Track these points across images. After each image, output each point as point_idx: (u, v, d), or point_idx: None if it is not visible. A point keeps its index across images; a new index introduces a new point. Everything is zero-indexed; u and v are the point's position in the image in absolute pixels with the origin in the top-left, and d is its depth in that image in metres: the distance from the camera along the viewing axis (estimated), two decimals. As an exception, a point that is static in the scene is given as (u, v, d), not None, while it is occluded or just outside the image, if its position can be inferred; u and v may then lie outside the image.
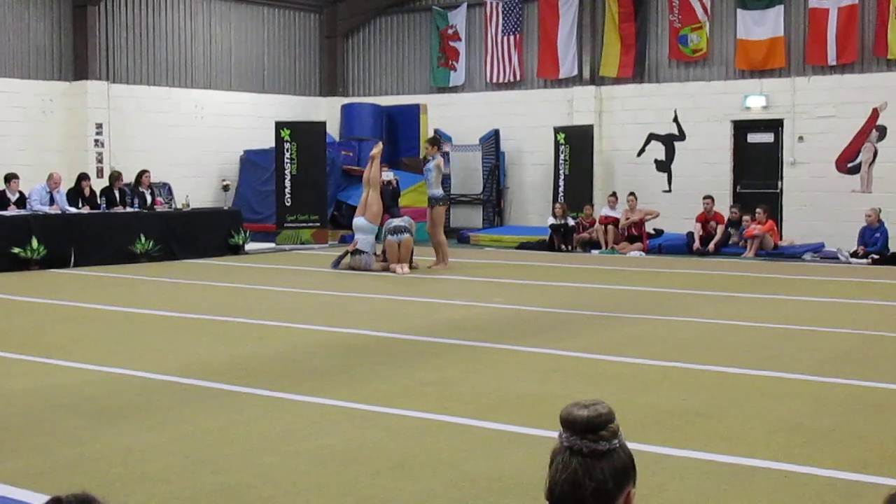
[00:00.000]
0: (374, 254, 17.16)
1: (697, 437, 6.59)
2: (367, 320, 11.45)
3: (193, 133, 24.87)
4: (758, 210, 20.84)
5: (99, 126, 22.51)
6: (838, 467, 5.97)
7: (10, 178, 18.75)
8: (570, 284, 15.36)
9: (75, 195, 19.40)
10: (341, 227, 22.66)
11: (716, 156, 23.22)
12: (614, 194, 22.57)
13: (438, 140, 17.78)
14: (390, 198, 22.31)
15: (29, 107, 22.01)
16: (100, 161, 22.37)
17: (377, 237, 17.79)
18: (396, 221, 17.59)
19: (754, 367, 8.77)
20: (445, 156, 23.41)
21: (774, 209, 22.03)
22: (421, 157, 17.31)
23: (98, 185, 20.63)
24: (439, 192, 17.65)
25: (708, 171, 23.19)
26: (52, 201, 18.72)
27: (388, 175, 22.60)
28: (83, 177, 19.87)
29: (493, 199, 25.62)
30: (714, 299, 13.74)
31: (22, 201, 18.71)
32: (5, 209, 18.24)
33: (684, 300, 13.58)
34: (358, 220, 17.50)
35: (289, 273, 17.28)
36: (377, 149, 17.87)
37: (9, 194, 18.64)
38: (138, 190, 20.35)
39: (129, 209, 19.63)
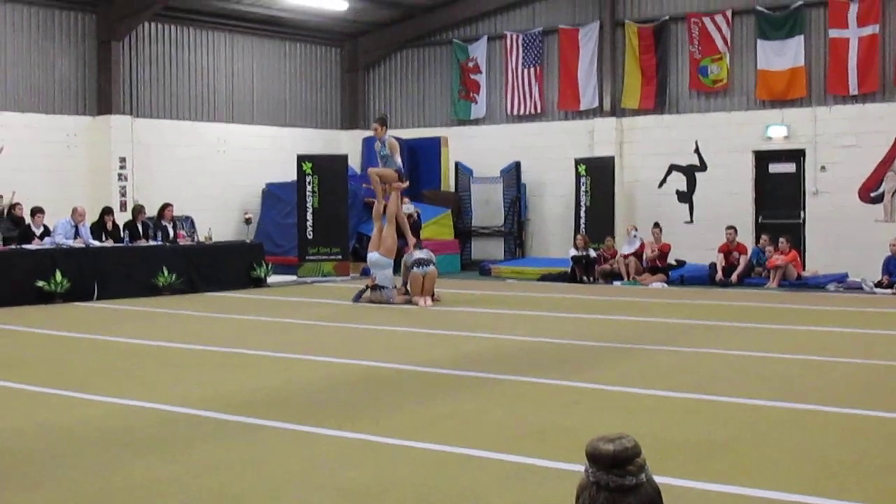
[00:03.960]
0: (395, 287, 16.93)
1: (723, 469, 6.49)
2: (388, 353, 11.35)
3: (216, 166, 24.95)
4: (781, 240, 20.67)
5: (122, 160, 22.62)
6: (867, 499, 5.87)
7: (35, 211, 18.82)
8: (592, 316, 15.22)
9: (99, 229, 19.48)
10: (363, 260, 22.19)
11: (737, 186, 23.07)
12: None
13: (385, 118, 17.72)
14: (411, 230, 22.09)
15: (54, 141, 22.15)
16: (123, 195, 22.44)
17: (394, 270, 17.60)
18: (418, 254, 17.33)
19: (778, 399, 8.65)
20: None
21: (797, 239, 21.90)
22: (377, 138, 17.41)
23: (121, 218, 20.78)
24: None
25: (730, 201, 23.03)
26: (76, 235, 18.76)
27: (409, 208, 22.44)
28: (107, 210, 19.94)
29: (515, 230, 25.55)
30: (737, 330, 13.56)
31: (46, 235, 18.69)
32: (30, 243, 18.26)
33: (707, 331, 13.42)
34: (372, 256, 17.23)
35: (311, 306, 17.06)
36: (404, 184, 17.57)
37: (34, 228, 18.69)
38: (161, 223, 20.37)
39: (151, 242, 19.67)
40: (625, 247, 21.86)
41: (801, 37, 22.47)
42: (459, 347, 11.92)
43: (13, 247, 18.00)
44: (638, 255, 21.85)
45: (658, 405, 8.53)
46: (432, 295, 16.82)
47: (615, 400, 8.79)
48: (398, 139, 17.83)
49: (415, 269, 16.71)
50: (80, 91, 22.74)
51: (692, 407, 8.46)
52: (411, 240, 17.31)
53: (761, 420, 7.97)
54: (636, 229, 22.08)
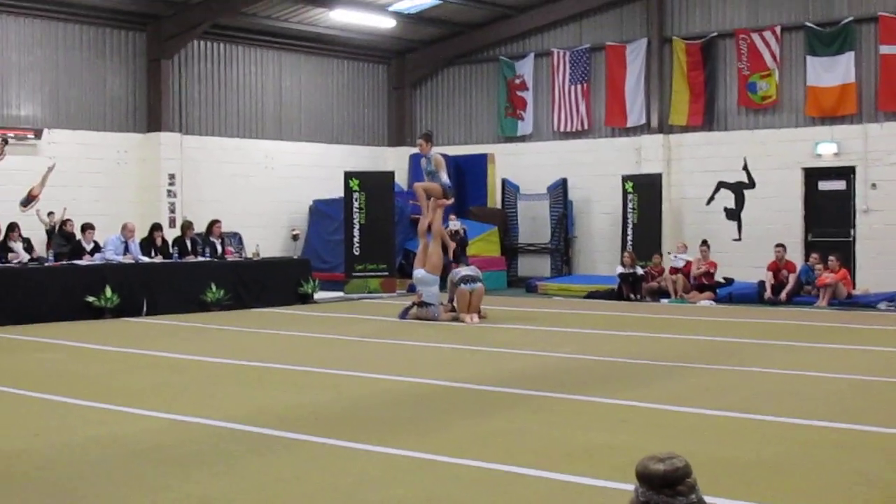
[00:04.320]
0: (441, 303, 16.79)
1: (774, 491, 6.39)
2: (435, 369, 11.31)
3: (264, 183, 24.96)
4: (830, 258, 20.39)
5: (171, 177, 22.73)
6: (918, 522, 5.68)
7: (85, 228, 18.96)
8: (640, 334, 15.05)
9: (148, 245, 19.50)
10: (409, 276, 21.94)
11: (786, 203, 22.86)
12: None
13: (430, 134, 17.65)
14: (458, 247, 21.99)
15: (105, 158, 22.30)
16: (172, 211, 22.53)
17: (440, 287, 17.49)
18: (465, 270, 17.19)
19: (828, 419, 8.52)
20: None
21: (847, 257, 21.56)
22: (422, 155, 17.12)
23: (170, 234, 20.80)
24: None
25: (779, 219, 22.84)
26: (126, 251, 18.78)
27: (456, 224, 22.57)
28: (156, 227, 19.96)
29: (562, 247, 25.36)
30: (786, 349, 13.38)
31: (97, 251, 18.76)
32: (81, 258, 18.33)
33: (756, 350, 13.21)
34: (418, 273, 17.07)
35: (357, 322, 16.99)
36: (449, 201, 17.42)
37: (84, 244, 18.77)
38: (209, 239, 20.22)
39: (200, 258, 19.50)
40: (673, 260, 21.72)
41: (852, 53, 22.19)
42: (506, 364, 11.82)
43: (64, 262, 18.05)
44: (685, 272, 21.63)
45: (707, 424, 8.42)
46: (479, 312, 16.66)
47: (664, 418, 8.68)
48: (444, 155, 17.81)
49: (462, 285, 16.53)
50: (130, 108, 22.84)
51: (741, 426, 8.34)
52: (450, 245, 17.40)
53: (811, 440, 7.86)
54: (686, 248, 21.93)
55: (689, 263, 21.44)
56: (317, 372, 11.10)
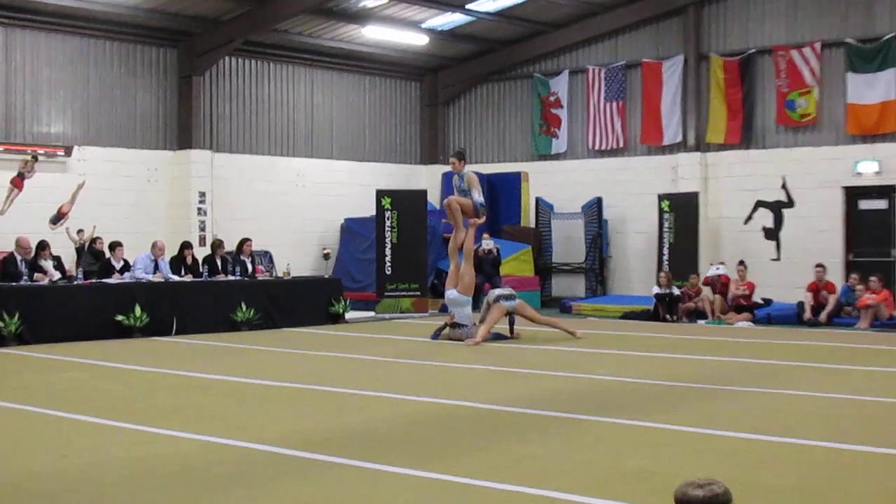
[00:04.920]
0: (474, 324, 16.58)
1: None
2: (466, 391, 11.17)
3: (295, 201, 24.90)
4: (872, 279, 20.07)
5: (202, 194, 22.73)
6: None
7: (114, 246, 18.85)
8: (676, 356, 14.87)
9: (178, 263, 19.42)
10: (441, 296, 21.86)
11: (826, 223, 22.59)
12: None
13: (463, 152, 17.48)
14: (491, 266, 22.08)
15: (135, 175, 22.27)
16: (202, 229, 22.52)
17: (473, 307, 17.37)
18: (499, 291, 17.10)
19: (870, 444, 8.27)
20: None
21: (889, 278, 21.22)
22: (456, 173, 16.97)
23: (200, 253, 20.70)
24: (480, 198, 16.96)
25: (818, 238, 22.59)
26: (155, 269, 18.71)
27: (489, 244, 22.42)
28: (186, 245, 19.87)
29: (596, 267, 25.12)
30: (827, 372, 13.12)
31: (126, 269, 18.69)
32: (110, 276, 18.26)
33: (795, 373, 12.99)
34: (450, 293, 16.83)
35: (389, 342, 16.91)
36: (481, 219, 17.26)
37: (113, 262, 18.68)
38: (240, 258, 20.00)
39: (230, 277, 19.35)
40: (711, 269, 21.64)
41: (893, 69, 21.91)
42: (540, 386, 11.71)
43: (94, 281, 17.98)
44: (722, 292, 21.32)
45: (746, 448, 8.20)
46: (511, 330, 16.60)
47: (702, 442, 8.47)
48: (477, 173, 17.59)
49: (502, 301, 16.39)
50: (161, 126, 22.80)
51: (782, 451, 8.14)
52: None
53: (853, 465, 7.67)
54: (722, 263, 21.75)
55: (725, 276, 21.26)
56: (348, 393, 11.02)
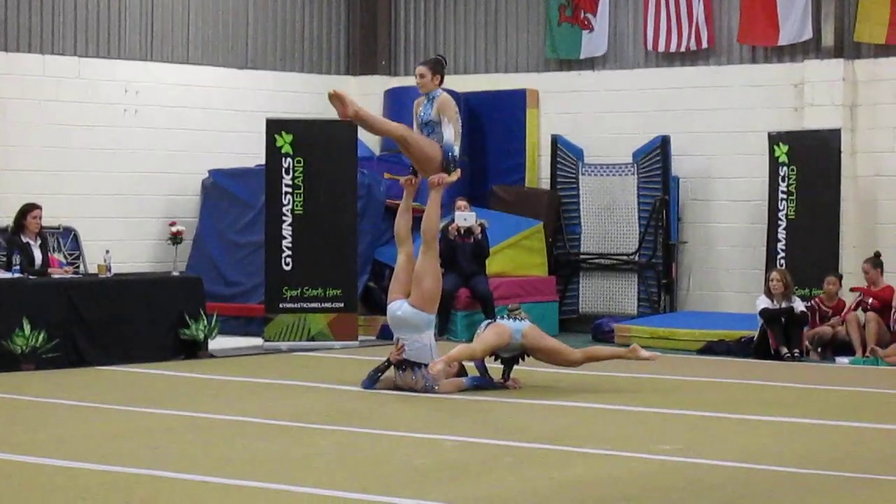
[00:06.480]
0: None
1: None
2: (428, 483, 8.90)
3: (120, 139, 19.55)
4: None
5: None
6: None
7: None
8: (798, 421, 12.01)
9: None
10: (380, 311, 17.75)
11: None
12: (878, 256, 17.40)
13: (443, 62, 14.24)
14: (471, 258, 17.79)
15: None
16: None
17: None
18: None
19: None
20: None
21: None
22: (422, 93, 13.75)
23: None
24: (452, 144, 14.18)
25: None
26: None
27: (468, 217, 17.96)
28: None
29: (659, 262, 19.98)
30: None
31: None
32: None
33: None
34: (398, 307, 13.56)
35: (286, 394, 14.02)
36: (453, 176, 13.61)
37: None
38: (19, 240, 16.61)
39: (3, 275, 16.43)
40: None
41: None
42: (559, 475, 9.22)
43: None
44: (878, 308, 16.85)
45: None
46: (505, 376, 13.77)
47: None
48: (449, 92, 14.13)
49: (504, 320, 13.58)
50: None
51: None
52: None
53: None
54: (878, 258, 17.27)
55: (889, 288, 17.20)
56: (212, 483, 8.70)
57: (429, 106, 13.53)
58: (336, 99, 13.20)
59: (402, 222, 13.62)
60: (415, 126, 13.84)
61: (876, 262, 17.23)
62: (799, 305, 16.69)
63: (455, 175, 13.48)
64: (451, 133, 13.41)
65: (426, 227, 13.47)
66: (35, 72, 18.52)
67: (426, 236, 13.49)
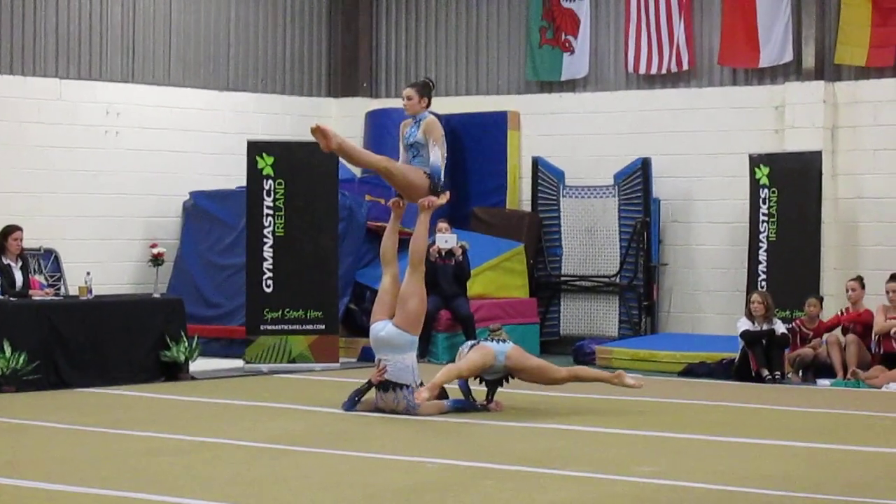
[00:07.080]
0: (420, 383, 13.75)
1: None
2: None
3: (102, 160, 19.89)
4: None
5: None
6: None
7: None
8: (779, 443, 12.18)
9: None
10: (362, 333, 18.38)
11: None
12: (859, 279, 17.70)
13: (431, 85, 14.47)
14: (452, 280, 18.34)
15: None
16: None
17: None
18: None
19: None
20: None
21: None
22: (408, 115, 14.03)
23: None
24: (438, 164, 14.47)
25: None
26: None
27: (449, 239, 18.59)
28: None
29: (640, 284, 20.44)
30: None
31: None
32: None
33: None
34: (381, 328, 13.84)
35: (268, 417, 14.19)
36: (443, 199, 14.07)
37: None
38: (0, 262, 17.22)
39: None
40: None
41: None
42: (539, 496, 9.22)
43: None
44: (857, 331, 17.18)
45: None
46: (489, 398, 14.05)
47: None
48: (433, 115, 14.15)
49: (487, 342, 13.77)
50: None
51: None
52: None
53: None
54: (859, 281, 17.53)
55: (882, 307, 17.50)
56: None
57: (415, 128, 13.70)
58: (319, 133, 13.33)
59: (388, 244, 13.81)
60: (400, 147, 14.01)
61: (863, 282, 17.46)
62: (780, 327, 16.99)
63: (444, 197, 13.78)
64: (438, 155, 13.63)
65: (414, 249, 13.67)
66: (16, 93, 18.82)
67: (413, 258, 13.71)
